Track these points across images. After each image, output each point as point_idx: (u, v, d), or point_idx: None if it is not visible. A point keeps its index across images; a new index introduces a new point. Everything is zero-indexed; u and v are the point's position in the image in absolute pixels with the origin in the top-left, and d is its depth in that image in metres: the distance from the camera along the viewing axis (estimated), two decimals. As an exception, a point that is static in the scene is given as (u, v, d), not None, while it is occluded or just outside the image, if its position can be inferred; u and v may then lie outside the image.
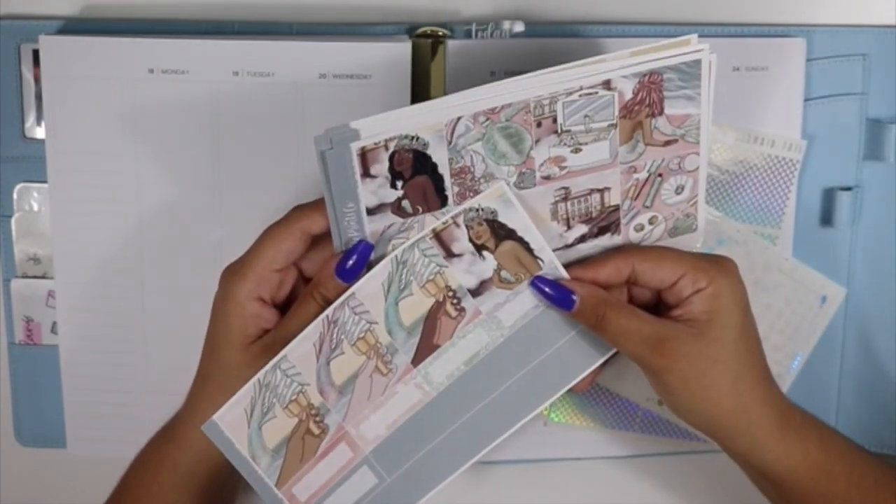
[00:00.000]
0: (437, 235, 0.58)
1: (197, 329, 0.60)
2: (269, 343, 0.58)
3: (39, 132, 0.67)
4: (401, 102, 0.65)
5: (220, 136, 0.65)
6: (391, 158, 0.57)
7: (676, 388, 0.57)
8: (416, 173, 0.58)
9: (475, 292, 0.59)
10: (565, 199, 0.60)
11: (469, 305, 0.58)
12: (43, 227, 0.68)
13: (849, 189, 0.69)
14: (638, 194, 0.61)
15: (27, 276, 0.69)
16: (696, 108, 0.59)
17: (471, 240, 0.59)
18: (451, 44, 0.65)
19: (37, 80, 0.67)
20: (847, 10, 0.68)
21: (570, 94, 0.57)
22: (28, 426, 0.71)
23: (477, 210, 0.58)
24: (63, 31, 0.66)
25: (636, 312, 0.57)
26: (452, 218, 0.58)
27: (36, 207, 0.68)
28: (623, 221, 0.61)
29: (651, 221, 0.62)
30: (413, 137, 0.57)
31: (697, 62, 0.58)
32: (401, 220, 0.59)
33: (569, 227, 0.61)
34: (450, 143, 0.57)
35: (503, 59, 0.65)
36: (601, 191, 0.61)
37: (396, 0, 0.68)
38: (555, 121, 0.58)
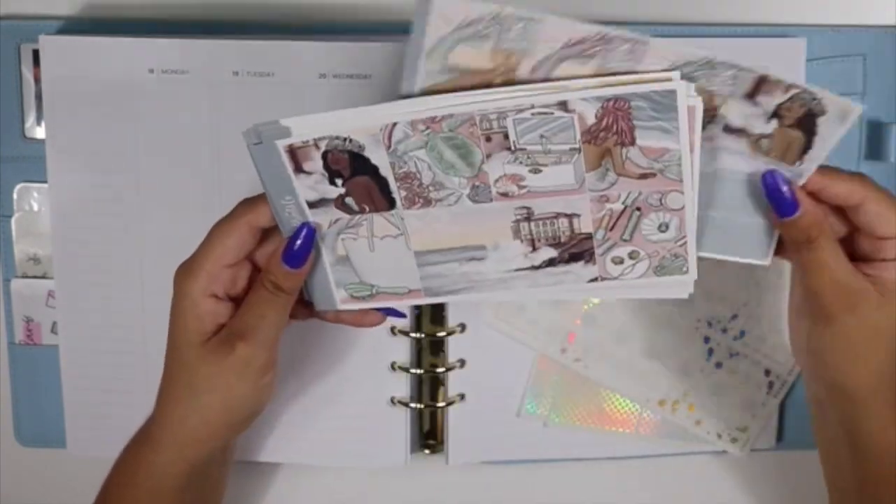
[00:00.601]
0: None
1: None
2: (226, 337, 0.58)
3: (39, 132, 0.67)
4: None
5: (220, 135, 0.65)
6: (324, 157, 0.56)
7: (833, 340, 0.56)
8: (356, 173, 0.57)
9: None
10: (528, 219, 0.58)
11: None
12: (43, 227, 0.68)
13: (849, 189, 0.69)
14: (613, 225, 0.58)
15: (27, 276, 0.69)
16: (675, 143, 0.56)
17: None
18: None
19: (37, 80, 0.67)
20: (847, 11, 0.68)
21: (521, 111, 0.55)
22: (28, 426, 0.71)
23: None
24: (63, 31, 0.66)
25: (840, 253, 0.55)
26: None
27: (36, 207, 0.68)
28: (598, 252, 0.59)
29: (632, 256, 0.59)
30: (346, 139, 0.56)
31: (672, 93, 0.54)
32: (347, 216, 0.58)
33: (534, 248, 0.59)
34: (388, 147, 0.55)
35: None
36: (569, 216, 0.58)
37: (396, 0, 0.68)
38: (506, 137, 0.55)
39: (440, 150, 0.55)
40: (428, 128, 0.55)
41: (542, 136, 0.55)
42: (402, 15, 0.68)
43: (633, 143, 0.56)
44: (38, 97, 0.67)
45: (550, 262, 0.59)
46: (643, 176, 0.57)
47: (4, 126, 0.68)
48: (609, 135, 0.55)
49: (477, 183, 0.56)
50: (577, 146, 0.55)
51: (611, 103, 0.54)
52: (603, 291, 0.60)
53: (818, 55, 0.67)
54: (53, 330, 0.69)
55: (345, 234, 0.59)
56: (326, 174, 0.57)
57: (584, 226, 0.58)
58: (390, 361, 0.68)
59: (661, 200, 0.57)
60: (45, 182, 0.67)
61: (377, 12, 0.68)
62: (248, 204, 0.58)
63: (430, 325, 0.69)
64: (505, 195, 0.57)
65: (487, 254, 0.59)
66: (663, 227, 0.58)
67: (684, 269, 0.60)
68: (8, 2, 0.67)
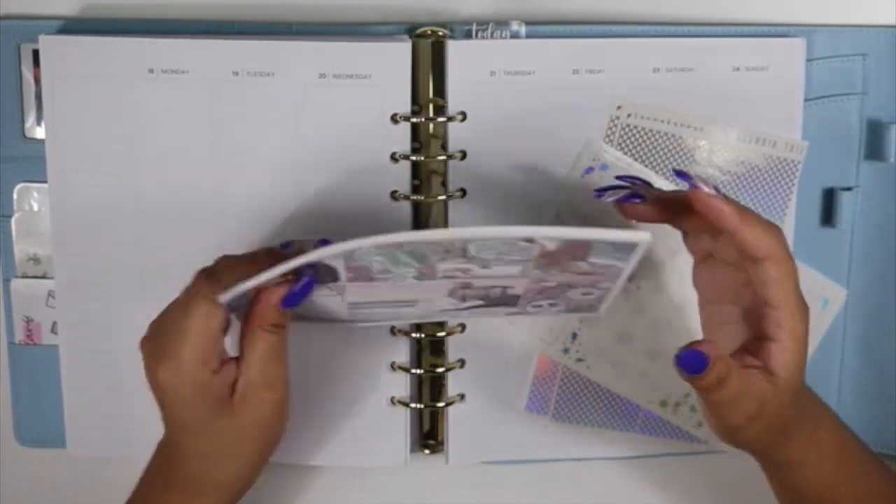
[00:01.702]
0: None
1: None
2: (249, 394, 0.57)
3: (39, 132, 0.67)
4: (401, 102, 0.65)
5: (220, 135, 0.65)
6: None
7: (738, 435, 0.57)
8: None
9: None
10: (465, 287, 0.59)
11: None
12: (43, 227, 0.68)
13: (849, 189, 0.69)
14: (542, 290, 0.60)
15: (27, 276, 0.69)
16: (622, 263, 0.56)
17: None
18: (451, 44, 0.65)
19: (37, 80, 0.67)
20: (847, 10, 0.68)
21: (486, 240, 0.53)
22: (28, 426, 0.71)
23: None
24: (63, 30, 0.66)
25: (743, 375, 0.55)
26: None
27: (36, 207, 0.68)
28: (521, 302, 0.61)
29: (550, 304, 0.62)
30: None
31: (634, 245, 0.54)
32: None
33: (464, 301, 0.61)
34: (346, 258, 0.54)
35: (504, 59, 0.65)
36: (504, 287, 0.59)
37: (397, 0, 0.68)
38: (465, 252, 0.54)
39: (396, 256, 0.55)
40: (388, 250, 0.54)
41: (499, 254, 0.55)
42: (402, 15, 0.68)
43: (584, 259, 0.56)
44: (38, 97, 0.67)
45: (476, 307, 0.61)
46: (585, 273, 0.58)
47: (4, 126, 0.68)
48: (565, 260, 0.56)
49: (424, 271, 0.56)
50: (531, 261, 0.55)
51: (574, 243, 0.54)
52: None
53: (818, 55, 0.67)
54: (53, 330, 0.69)
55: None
56: None
57: (517, 291, 0.60)
58: (390, 361, 0.68)
59: (592, 284, 0.59)
60: (45, 182, 0.67)
61: (377, 12, 0.68)
62: (211, 279, 0.57)
63: (430, 325, 0.69)
64: (450, 278, 0.57)
65: (417, 304, 0.61)
66: (587, 293, 0.61)
67: (596, 307, 0.63)
68: (8, 2, 0.67)
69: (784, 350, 0.55)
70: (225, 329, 0.57)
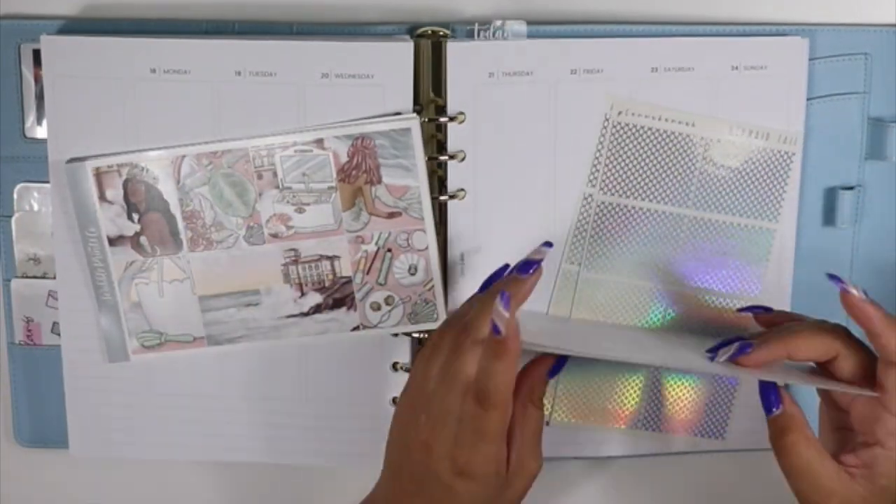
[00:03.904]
0: None
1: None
2: (516, 467, 0.58)
3: (39, 132, 0.67)
4: (403, 102, 0.65)
5: (222, 135, 0.65)
6: (125, 186, 0.63)
7: (802, 497, 0.58)
8: (150, 208, 0.63)
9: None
10: (296, 261, 0.64)
11: None
12: (43, 227, 0.68)
13: (851, 188, 0.69)
14: (369, 268, 0.64)
15: (27, 276, 0.69)
16: (415, 181, 0.62)
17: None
18: (450, 45, 0.65)
19: (37, 80, 0.67)
20: (849, 9, 0.68)
21: (286, 148, 0.62)
22: (28, 426, 0.71)
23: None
24: (63, 30, 0.66)
25: (820, 452, 0.57)
26: None
27: (36, 207, 0.68)
28: (357, 297, 0.64)
29: (388, 301, 0.65)
30: (143, 168, 0.62)
31: (407, 131, 0.61)
32: (141, 258, 0.64)
33: (303, 293, 0.64)
34: (178, 182, 0.59)
35: (503, 59, 0.65)
36: (331, 258, 0.64)
37: (397, 0, 0.68)
38: (275, 175, 0.63)
39: (220, 187, 0.63)
40: (210, 162, 0.63)
41: (304, 174, 0.63)
42: (403, 14, 0.68)
43: (379, 181, 0.64)
44: (39, 97, 0.67)
45: (317, 309, 0.65)
46: (391, 215, 0.64)
47: (4, 126, 0.67)
48: (359, 173, 0.63)
49: (252, 223, 0.64)
50: (333, 184, 0.63)
51: (359, 142, 0.63)
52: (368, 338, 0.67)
53: (820, 54, 0.67)
54: (53, 330, 0.69)
55: (138, 279, 0.65)
56: (125, 206, 0.63)
57: (345, 269, 0.65)
58: (391, 362, 0.68)
59: (408, 241, 0.64)
60: (46, 182, 0.67)
61: (378, 12, 0.68)
62: (506, 358, 0.55)
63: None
64: (275, 236, 0.64)
65: (261, 299, 0.65)
66: (413, 270, 0.65)
67: (434, 316, 0.66)
68: (8, 2, 0.67)
69: (890, 459, 0.56)
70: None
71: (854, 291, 0.58)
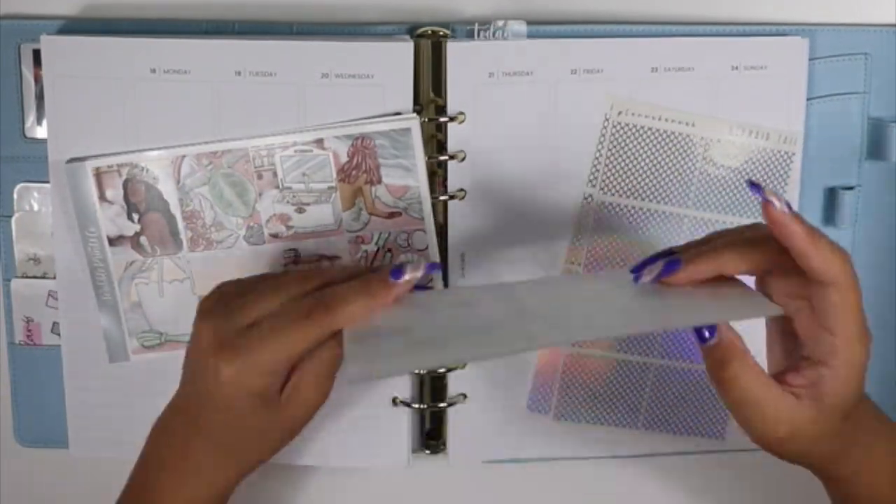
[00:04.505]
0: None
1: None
2: (293, 391, 0.58)
3: (39, 132, 0.67)
4: (403, 102, 0.64)
5: (222, 135, 0.65)
6: (125, 186, 0.63)
7: (780, 453, 0.57)
8: (150, 208, 0.63)
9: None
10: (296, 262, 0.64)
11: None
12: (43, 227, 0.68)
13: (851, 188, 0.69)
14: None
15: (27, 276, 0.69)
16: (415, 181, 0.62)
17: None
18: (450, 45, 0.65)
19: (37, 80, 0.67)
20: (848, 9, 0.68)
21: (286, 148, 0.63)
22: (28, 426, 0.71)
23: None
24: (63, 30, 0.66)
25: (753, 372, 0.55)
26: None
27: (36, 207, 0.68)
28: None
29: None
30: (143, 168, 0.62)
31: (407, 131, 0.62)
32: (141, 258, 0.64)
33: None
34: (178, 182, 0.60)
35: (503, 59, 0.65)
36: (331, 258, 0.65)
37: (397, 0, 0.68)
38: (275, 175, 0.63)
39: (220, 187, 0.63)
40: (210, 162, 0.63)
41: (304, 174, 0.63)
42: (403, 14, 0.68)
43: (379, 181, 0.64)
44: (39, 97, 0.67)
45: None
46: (391, 215, 0.65)
47: (4, 126, 0.67)
48: (359, 173, 0.63)
49: (252, 223, 0.64)
50: (333, 184, 0.64)
51: (359, 142, 0.63)
52: None
53: (820, 54, 0.67)
54: (53, 330, 0.69)
55: (138, 279, 0.65)
56: (125, 206, 0.64)
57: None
58: (392, 361, 0.68)
59: (408, 241, 0.65)
60: (46, 182, 0.67)
61: (378, 12, 0.68)
62: (328, 312, 0.55)
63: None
64: (275, 237, 0.65)
65: None
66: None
67: None
68: (8, 2, 0.67)
69: (835, 377, 0.54)
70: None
71: (776, 203, 0.52)
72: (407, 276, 0.56)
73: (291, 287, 0.57)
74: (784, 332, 0.58)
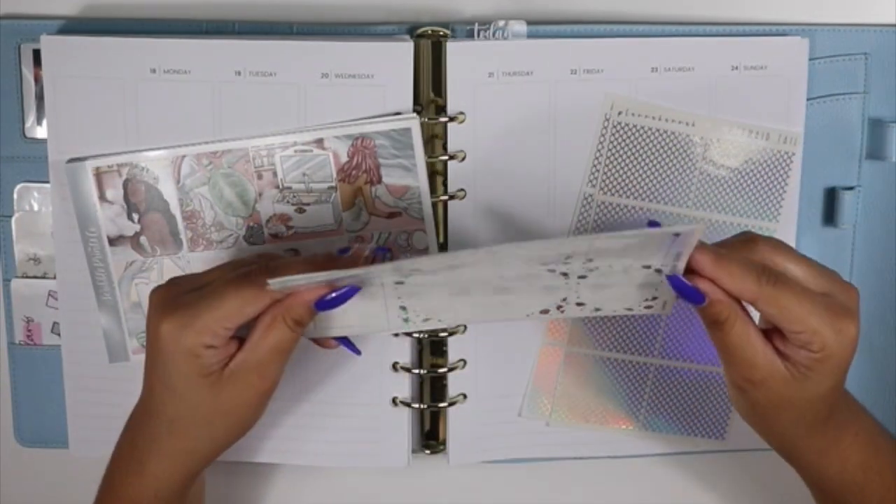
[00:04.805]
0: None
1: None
2: (240, 373, 0.57)
3: (39, 132, 0.67)
4: (403, 102, 0.64)
5: (222, 135, 0.65)
6: (125, 186, 0.63)
7: (745, 406, 0.59)
8: (150, 208, 0.63)
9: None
10: None
11: None
12: (43, 227, 0.68)
13: (851, 188, 0.69)
14: None
15: (27, 276, 0.69)
16: (415, 181, 0.63)
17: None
18: (450, 45, 0.65)
19: (37, 80, 0.67)
20: (848, 10, 0.68)
21: (286, 148, 0.63)
22: (28, 426, 0.71)
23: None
24: (63, 30, 0.66)
25: (750, 331, 0.56)
26: None
27: (36, 207, 0.68)
28: None
29: None
30: (143, 168, 0.63)
31: (407, 130, 0.62)
32: (141, 258, 0.64)
33: None
34: (178, 182, 0.60)
35: (503, 59, 0.65)
36: None
37: (398, 0, 0.68)
38: (275, 175, 0.64)
39: (220, 187, 0.64)
40: (210, 162, 0.63)
41: (304, 174, 0.64)
42: (403, 14, 0.68)
43: (379, 181, 0.64)
44: (39, 97, 0.67)
45: None
46: (391, 215, 0.65)
47: (4, 126, 0.67)
48: (359, 173, 0.64)
49: (252, 223, 0.65)
50: (333, 184, 0.64)
51: (359, 142, 0.63)
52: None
53: (820, 54, 0.67)
54: (54, 330, 0.69)
55: (138, 279, 0.66)
56: (125, 206, 0.64)
57: None
58: (392, 362, 0.68)
59: (408, 241, 0.65)
60: (46, 182, 0.67)
61: (379, 12, 0.68)
62: (267, 275, 0.56)
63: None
64: (275, 236, 0.65)
65: None
66: None
67: None
68: (8, 2, 0.67)
69: (810, 357, 0.56)
70: (255, 317, 0.57)
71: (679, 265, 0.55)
72: (352, 252, 0.59)
73: (242, 264, 0.59)
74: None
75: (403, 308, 0.58)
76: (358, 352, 0.62)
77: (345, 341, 0.61)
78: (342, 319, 0.59)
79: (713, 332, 0.57)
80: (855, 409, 0.61)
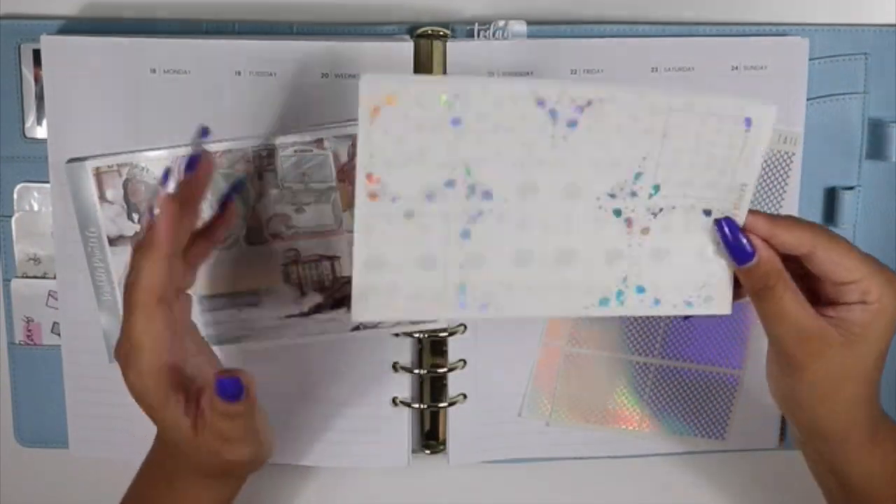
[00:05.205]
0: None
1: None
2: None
3: (39, 132, 0.67)
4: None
5: (222, 135, 0.65)
6: (125, 186, 0.63)
7: (801, 385, 0.56)
8: (151, 209, 0.63)
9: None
10: (296, 262, 0.64)
11: None
12: (43, 227, 0.68)
13: (851, 188, 0.69)
14: None
15: (27, 276, 0.69)
16: None
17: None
18: (450, 45, 0.65)
19: (37, 79, 0.67)
20: (848, 10, 0.68)
21: (286, 148, 0.63)
22: (28, 426, 0.71)
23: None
24: (63, 30, 0.66)
25: (800, 299, 0.55)
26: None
27: (36, 207, 0.68)
28: None
29: None
30: (143, 168, 0.63)
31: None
32: None
33: (303, 293, 0.65)
34: (178, 182, 0.59)
35: (502, 59, 0.65)
36: (331, 258, 0.65)
37: (398, 0, 0.68)
38: (275, 175, 0.64)
39: (220, 187, 0.63)
40: None
41: (304, 174, 0.64)
42: (404, 14, 0.68)
43: None
44: (39, 97, 0.67)
45: (318, 309, 0.66)
46: None
47: (4, 126, 0.67)
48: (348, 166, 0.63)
49: (251, 224, 0.64)
50: (333, 184, 0.64)
51: None
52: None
53: (820, 54, 0.67)
54: (54, 330, 0.69)
55: None
56: (125, 206, 0.64)
57: (345, 269, 0.65)
58: (392, 362, 0.68)
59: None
60: (46, 182, 0.67)
61: (379, 12, 0.68)
62: (151, 256, 0.55)
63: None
64: (275, 236, 0.65)
65: (261, 299, 0.65)
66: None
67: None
68: (8, 2, 0.67)
69: (863, 311, 0.55)
70: (175, 324, 0.56)
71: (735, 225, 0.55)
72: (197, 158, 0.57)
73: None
74: (802, 277, 0.57)
75: (462, 287, 0.53)
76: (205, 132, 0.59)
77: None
78: (393, 304, 0.53)
79: (761, 302, 0.55)
80: (888, 418, 0.60)
